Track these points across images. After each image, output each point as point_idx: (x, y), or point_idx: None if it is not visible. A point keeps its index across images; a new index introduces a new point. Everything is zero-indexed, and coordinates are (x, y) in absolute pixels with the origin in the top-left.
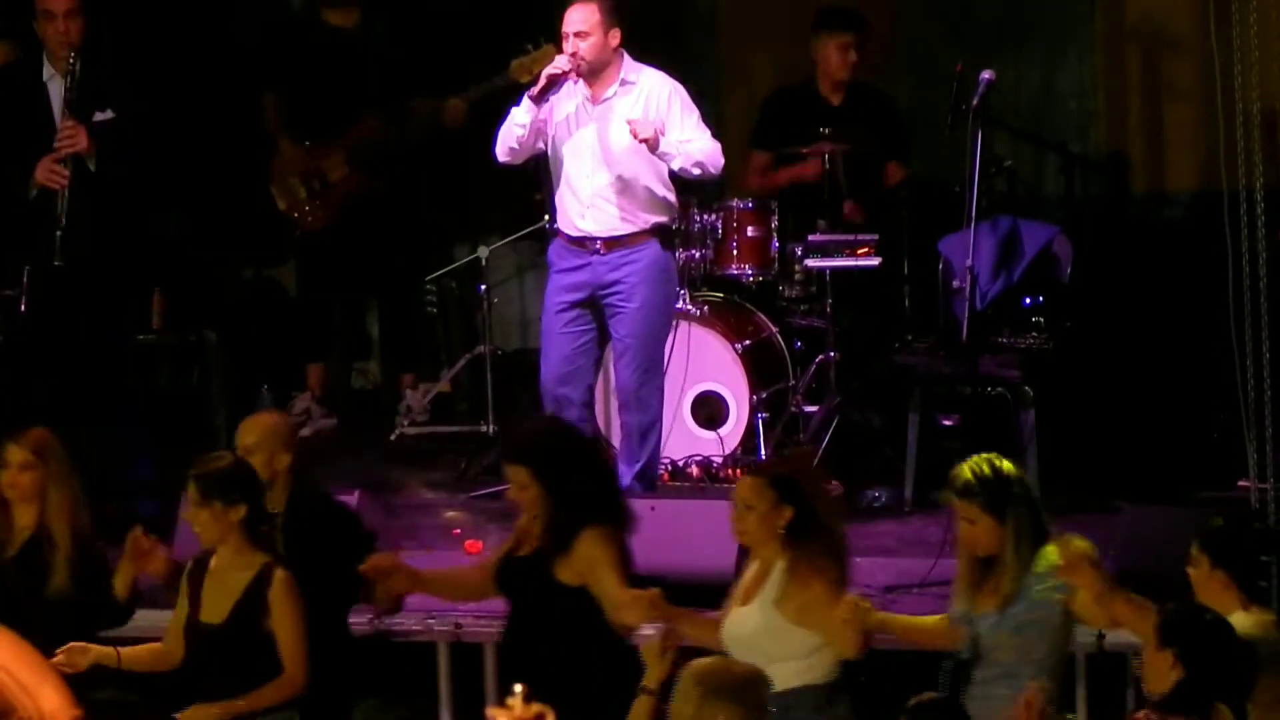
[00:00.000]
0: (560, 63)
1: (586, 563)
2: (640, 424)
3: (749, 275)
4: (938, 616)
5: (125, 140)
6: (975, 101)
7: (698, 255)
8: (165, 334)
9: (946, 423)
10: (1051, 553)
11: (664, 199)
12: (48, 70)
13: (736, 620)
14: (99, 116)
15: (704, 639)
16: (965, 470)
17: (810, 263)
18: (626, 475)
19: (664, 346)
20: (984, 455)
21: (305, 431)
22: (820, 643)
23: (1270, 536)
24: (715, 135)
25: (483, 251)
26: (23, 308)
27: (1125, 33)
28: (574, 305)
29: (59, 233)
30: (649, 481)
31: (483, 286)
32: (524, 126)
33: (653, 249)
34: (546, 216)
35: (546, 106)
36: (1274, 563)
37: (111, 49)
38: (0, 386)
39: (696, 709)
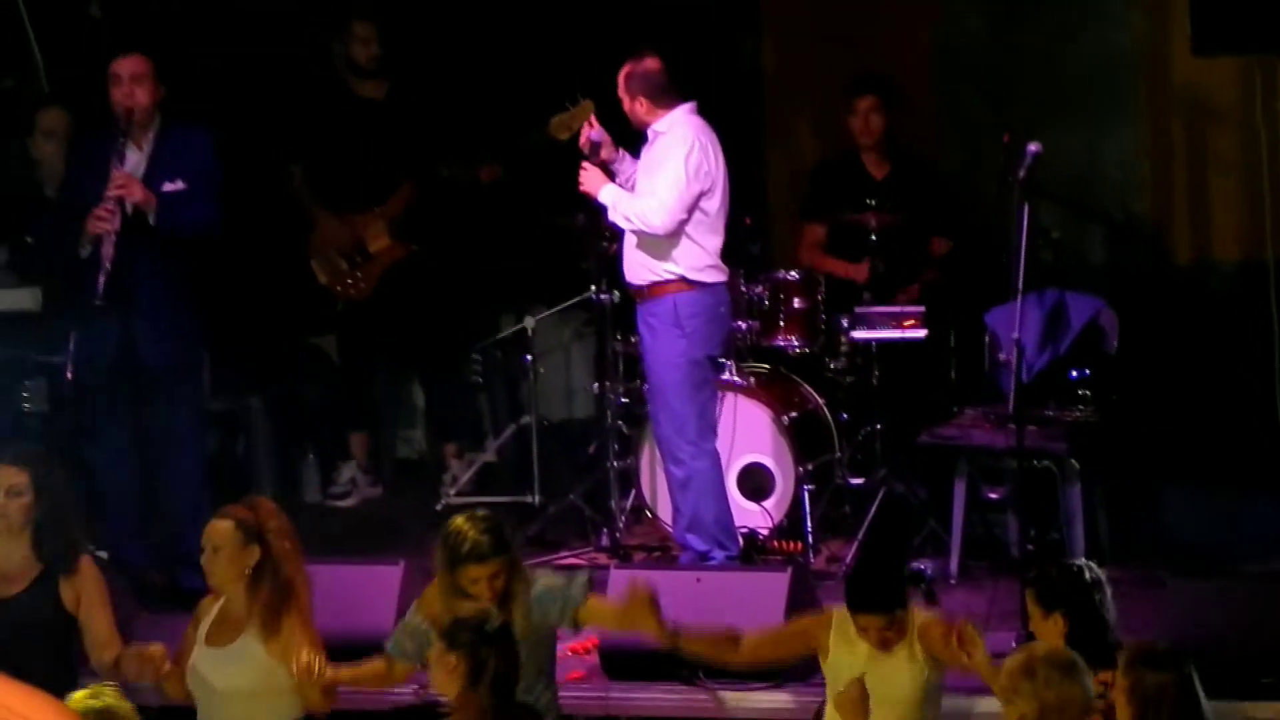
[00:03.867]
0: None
1: (85, 584)
2: (675, 476)
3: (795, 347)
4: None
5: (190, 207)
6: (1022, 173)
7: (744, 326)
8: (211, 401)
9: (993, 495)
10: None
11: (684, 248)
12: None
13: (216, 661)
14: (169, 187)
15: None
16: (471, 533)
17: (856, 334)
18: (678, 531)
19: (686, 400)
20: (465, 516)
21: (351, 501)
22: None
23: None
24: (759, 203)
25: (529, 321)
26: (69, 374)
27: (1170, 103)
28: None
29: (103, 276)
30: (707, 536)
31: (529, 357)
32: None
33: (668, 302)
34: (593, 286)
35: None
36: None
37: (188, 120)
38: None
39: (1059, 690)
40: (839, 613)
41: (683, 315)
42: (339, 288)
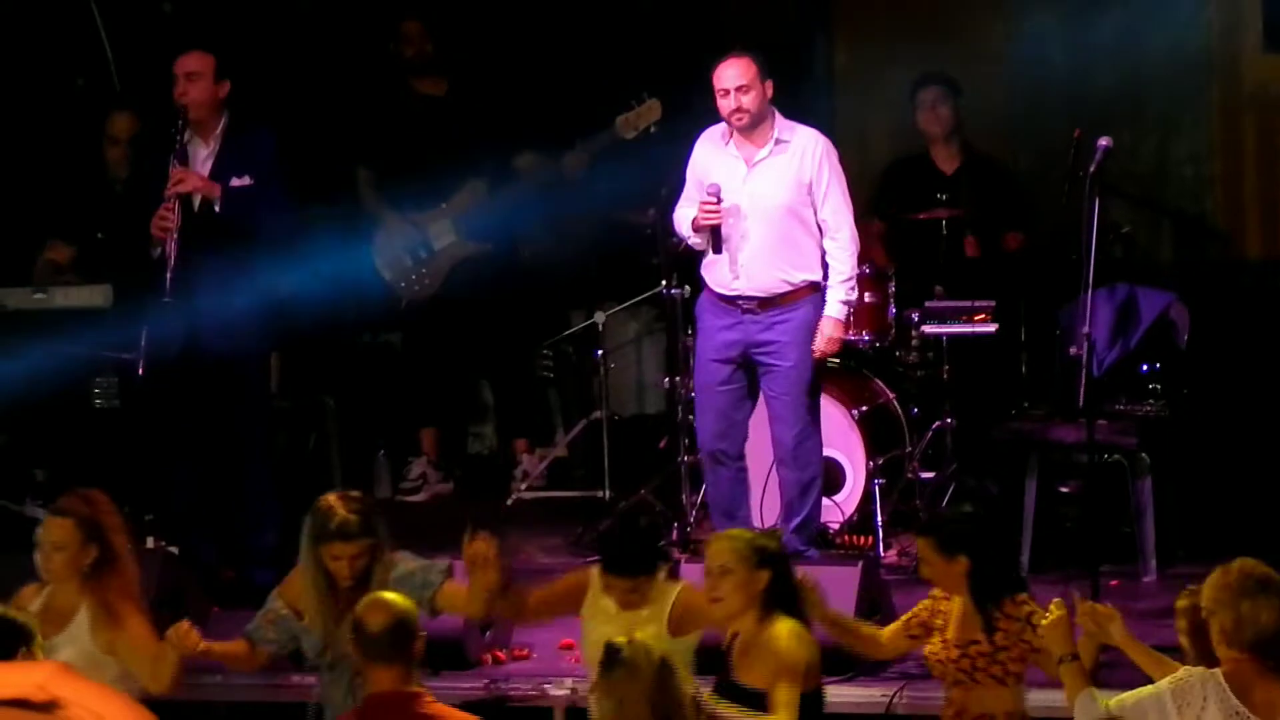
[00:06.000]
0: (709, 217)
1: None
2: (799, 480)
3: (866, 341)
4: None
5: (258, 204)
6: (1092, 168)
7: None
8: (282, 399)
9: (1064, 490)
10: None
11: (817, 256)
12: (188, 134)
13: (45, 652)
14: (236, 182)
15: None
16: (341, 510)
17: (927, 329)
18: (786, 530)
19: (819, 403)
20: (337, 495)
21: (421, 496)
22: (126, 671)
23: None
24: None
25: (599, 317)
26: (140, 370)
27: (1242, 100)
28: (727, 362)
29: (169, 274)
30: (809, 536)
31: (599, 352)
32: (698, 241)
33: (805, 307)
34: (664, 281)
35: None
36: None
37: (258, 119)
38: (121, 450)
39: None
40: (598, 569)
41: (816, 320)
42: (404, 284)
